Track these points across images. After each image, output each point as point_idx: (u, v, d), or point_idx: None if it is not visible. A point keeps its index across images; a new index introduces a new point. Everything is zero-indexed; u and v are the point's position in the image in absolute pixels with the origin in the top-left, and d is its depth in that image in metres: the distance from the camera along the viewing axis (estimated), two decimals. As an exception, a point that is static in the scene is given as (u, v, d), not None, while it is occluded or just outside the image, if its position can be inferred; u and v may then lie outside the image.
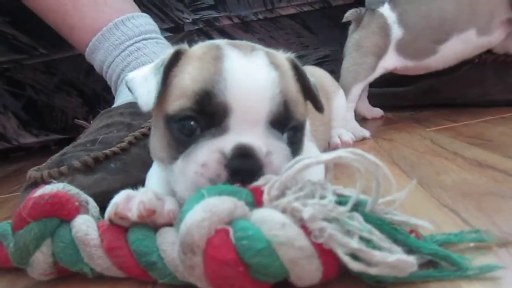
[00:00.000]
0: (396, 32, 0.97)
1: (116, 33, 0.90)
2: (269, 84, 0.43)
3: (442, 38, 0.96)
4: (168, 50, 0.49)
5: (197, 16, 1.38)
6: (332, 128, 0.88)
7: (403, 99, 1.20)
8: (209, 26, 1.39)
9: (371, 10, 1.00)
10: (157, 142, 0.48)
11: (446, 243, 0.37)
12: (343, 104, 0.93)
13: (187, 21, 1.38)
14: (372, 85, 1.31)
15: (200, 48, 0.48)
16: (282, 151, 0.43)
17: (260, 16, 1.42)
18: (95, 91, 1.42)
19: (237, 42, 0.49)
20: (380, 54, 0.97)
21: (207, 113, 0.42)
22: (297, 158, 0.35)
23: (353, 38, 1.01)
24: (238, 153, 0.40)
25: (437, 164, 0.64)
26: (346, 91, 0.98)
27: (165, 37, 1.01)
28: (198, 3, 1.37)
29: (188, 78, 0.44)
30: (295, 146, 0.46)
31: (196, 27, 1.39)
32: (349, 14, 1.01)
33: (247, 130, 0.41)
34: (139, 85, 0.48)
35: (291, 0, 1.40)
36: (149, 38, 0.94)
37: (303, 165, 0.34)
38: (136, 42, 0.91)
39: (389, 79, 1.27)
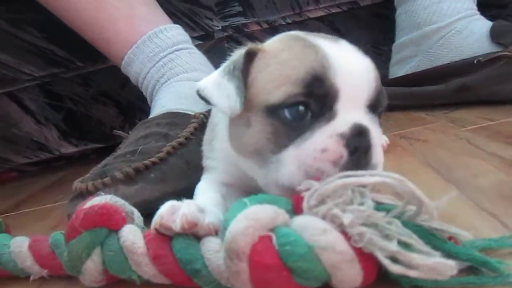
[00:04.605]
0: None
1: (150, 45, 0.94)
2: (368, 69, 0.45)
3: None
4: (235, 54, 0.50)
5: (226, 23, 1.40)
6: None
7: (435, 99, 1.18)
8: (238, 33, 1.41)
9: None
10: (252, 138, 0.47)
11: (487, 249, 0.37)
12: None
13: (217, 28, 1.40)
14: (400, 84, 1.29)
15: (278, 42, 0.49)
16: (379, 134, 0.45)
17: (289, 20, 1.43)
18: (130, 101, 1.46)
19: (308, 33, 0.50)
20: None
21: (318, 97, 0.43)
22: (340, 174, 0.36)
23: None
24: (356, 132, 0.42)
25: (473, 165, 0.63)
26: None
27: (196, 45, 1.04)
28: (227, 10, 1.39)
29: (284, 67, 0.45)
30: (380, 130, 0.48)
31: (226, 34, 1.41)
32: None
33: (353, 113, 0.43)
34: (213, 93, 0.48)
35: (319, 2, 1.40)
36: (182, 49, 0.97)
37: (342, 184, 0.35)
38: (169, 53, 0.94)
39: (418, 79, 1.25)
